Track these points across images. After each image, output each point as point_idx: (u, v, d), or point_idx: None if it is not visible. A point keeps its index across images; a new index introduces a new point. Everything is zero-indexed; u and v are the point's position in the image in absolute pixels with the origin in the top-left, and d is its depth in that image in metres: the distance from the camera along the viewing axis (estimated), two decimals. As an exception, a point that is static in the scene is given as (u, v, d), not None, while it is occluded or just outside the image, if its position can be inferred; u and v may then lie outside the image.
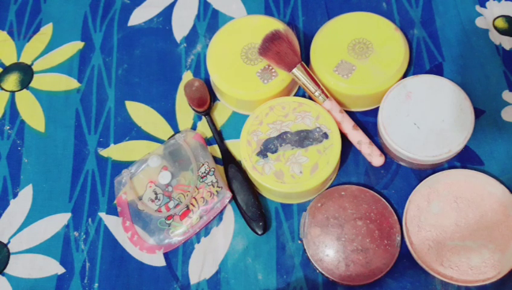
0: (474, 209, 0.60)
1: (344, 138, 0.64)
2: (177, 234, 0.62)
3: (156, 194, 0.64)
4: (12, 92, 0.73)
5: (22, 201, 0.66)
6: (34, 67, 0.74)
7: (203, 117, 0.69)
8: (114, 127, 0.70)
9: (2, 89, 0.73)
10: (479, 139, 0.65)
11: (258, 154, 0.62)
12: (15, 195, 0.67)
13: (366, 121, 0.68)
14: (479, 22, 0.73)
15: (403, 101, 0.63)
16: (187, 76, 0.73)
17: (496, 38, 0.71)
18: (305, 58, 0.70)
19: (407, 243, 0.60)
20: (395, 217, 0.61)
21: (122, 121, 0.70)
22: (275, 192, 0.62)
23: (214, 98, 0.70)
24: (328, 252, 0.59)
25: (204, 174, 0.64)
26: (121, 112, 0.71)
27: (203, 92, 0.69)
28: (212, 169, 0.64)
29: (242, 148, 0.63)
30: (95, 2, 0.79)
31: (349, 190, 0.63)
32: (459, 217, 0.60)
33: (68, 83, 0.73)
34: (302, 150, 0.62)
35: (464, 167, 0.64)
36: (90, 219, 0.65)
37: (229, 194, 0.63)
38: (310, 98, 0.66)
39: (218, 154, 0.67)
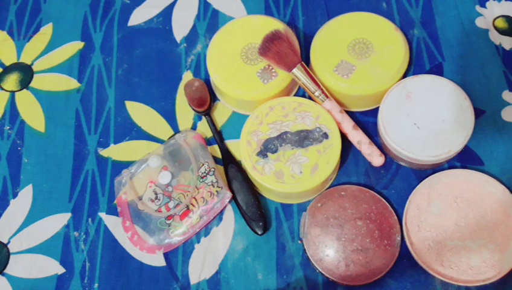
0: (474, 209, 0.60)
1: (344, 138, 0.64)
2: (177, 234, 0.62)
3: (156, 194, 0.64)
4: (12, 92, 0.73)
5: (22, 201, 0.66)
6: (34, 67, 0.74)
7: (203, 117, 0.69)
8: (114, 127, 0.70)
9: (2, 89, 0.73)
10: (479, 139, 0.65)
11: (258, 154, 0.62)
12: (15, 195, 0.67)
13: (366, 121, 0.68)
14: (479, 22, 0.73)
15: (403, 101, 0.63)
16: (187, 76, 0.73)
17: (496, 38, 0.71)
18: (305, 58, 0.70)
19: (407, 243, 0.60)
20: (395, 217, 0.61)
21: (122, 121, 0.70)
22: (275, 192, 0.62)
23: (214, 98, 0.70)
24: (328, 252, 0.59)
25: (204, 174, 0.64)
26: (121, 112, 0.71)
27: (203, 92, 0.69)
28: (212, 169, 0.64)
29: (242, 148, 0.63)
30: (95, 2, 0.79)
31: (349, 190, 0.63)
32: (459, 217, 0.60)
33: (68, 83, 0.73)
34: (302, 150, 0.62)
35: (464, 167, 0.64)
36: (90, 219, 0.65)
37: (229, 194, 0.63)
38: (310, 98, 0.66)
39: (218, 154, 0.67)
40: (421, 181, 0.62)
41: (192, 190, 0.63)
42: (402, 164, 0.65)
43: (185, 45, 0.75)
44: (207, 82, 0.71)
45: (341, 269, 0.59)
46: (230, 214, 0.64)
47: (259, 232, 0.62)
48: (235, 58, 0.68)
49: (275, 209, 0.64)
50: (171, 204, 0.63)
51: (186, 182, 0.64)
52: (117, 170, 0.67)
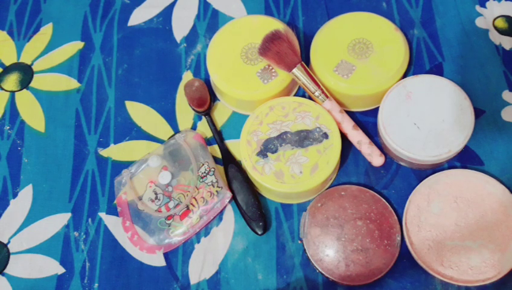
0: (474, 209, 0.60)
1: (344, 138, 0.64)
2: (177, 234, 0.62)
3: (156, 194, 0.64)
4: (12, 92, 0.73)
5: (22, 201, 0.66)
6: (34, 67, 0.74)
7: (203, 117, 0.69)
8: (114, 127, 0.70)
9: (2, 89, 0.73)
10: (479, 139, 0.65)
11: (258, 154, 0.62)
12: (15, 195, 0.67)
13: (366, 121, 0.68)
14: (479, 22, 0.73)
15: (403, 101, 0.63)
16: (187, 76, 0.73)
17: (496, 38, 0.71)
18: (305, 58, 0.70)
19: (407, 243, 0.60)
20: (395, 217, 0.61)
21: (122, 121, 0.70)
22: (275, 192, 0.62)
23: (214, 98, 0.70)
24: (328, 252, 0.59)
25: (204, 174, 0.64)
26: (121, 112, 0.71)
27: (203, 92, 0.69)
28: (212, 169, 0.64)
29: (242, 148, 0.63)
30: (95, 2, 0.79)
31: (349, 190, 0.63)
32: (459, 217, 0.60)
33: (68, 83, 0.73)
34: (302, 150, 0.62)
35: (464, 167, 0.64)
36: (90, 219, 0.65)
37: (229, 194, 0.63)
38: (310, 98, 0.66)
39: (218, 154, 0.67)
40: (421, 181, 0.62)
41: (192, 190, 0.63)
42: (402, 164, 0.65)
43: (185, 45, 0.75)
44: (207, 82, 0.71)
45: (341, 269, 0.59)
46: (230, 214, 0.64)
47: (259, 232, 0.62)
48: (235, 58, 0.67)
49: (275, 209, 0.64)
50: (171, 204, 0.63)
51: (186, 182, 0.64)
52: (117, 170, 0.67)
